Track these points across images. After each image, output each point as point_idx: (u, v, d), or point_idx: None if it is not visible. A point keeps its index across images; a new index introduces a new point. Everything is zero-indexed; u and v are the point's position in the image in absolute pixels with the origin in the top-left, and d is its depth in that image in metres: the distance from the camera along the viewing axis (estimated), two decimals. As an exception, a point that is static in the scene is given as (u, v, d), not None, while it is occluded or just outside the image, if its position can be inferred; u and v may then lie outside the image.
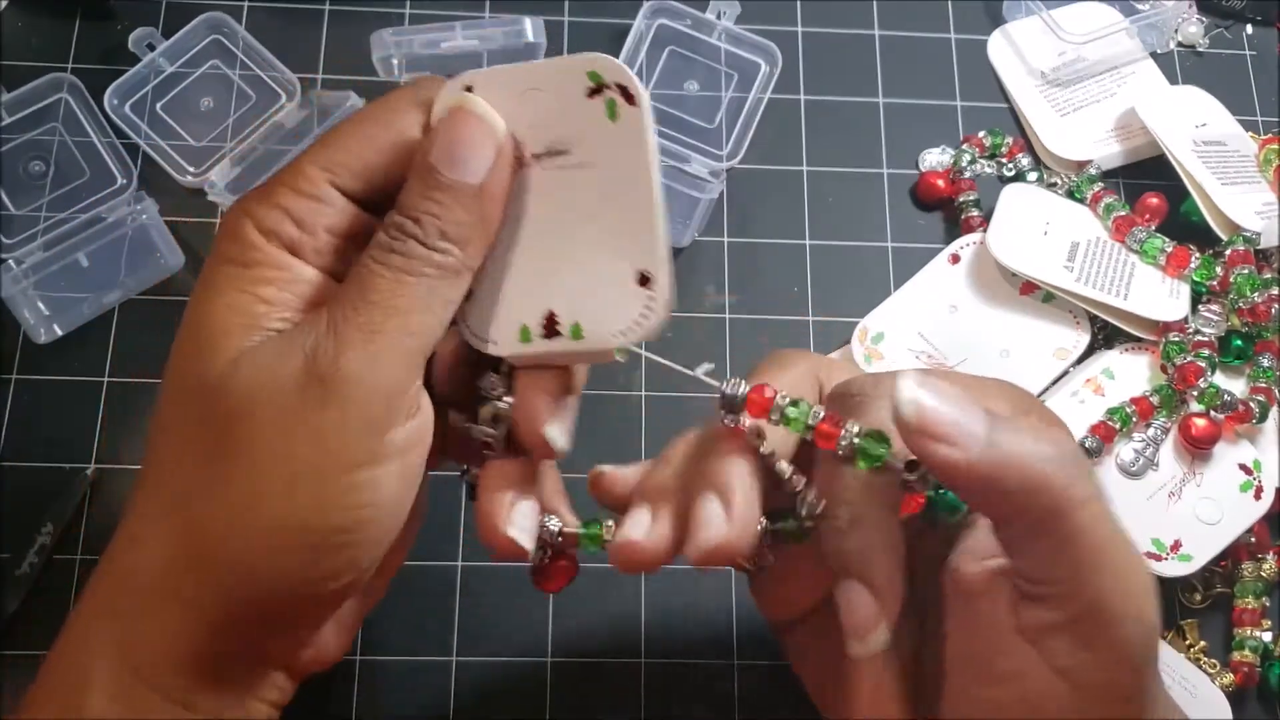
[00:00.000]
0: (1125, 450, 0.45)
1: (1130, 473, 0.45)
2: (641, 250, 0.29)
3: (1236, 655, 0.45)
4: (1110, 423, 0.45)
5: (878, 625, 0.29)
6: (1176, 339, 0.46)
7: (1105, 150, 0.52)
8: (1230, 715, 0.43)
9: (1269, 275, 0.48)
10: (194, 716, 0.29)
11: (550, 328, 0.30)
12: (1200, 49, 0.56)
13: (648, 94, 0.28)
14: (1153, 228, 0.49)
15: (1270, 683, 0.45)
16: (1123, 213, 0.49)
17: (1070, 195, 0.51)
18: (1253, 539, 0.46)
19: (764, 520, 0.30)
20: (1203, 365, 0.45)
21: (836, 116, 0.53)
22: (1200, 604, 0.46)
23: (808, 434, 0.29)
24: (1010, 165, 0.52)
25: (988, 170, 0.52)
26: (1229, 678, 0.44)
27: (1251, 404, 0.45)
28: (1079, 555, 0.27)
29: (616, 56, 0.50)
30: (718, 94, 0.52)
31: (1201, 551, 0.44)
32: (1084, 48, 0.54)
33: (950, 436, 0.27)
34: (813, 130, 0.53)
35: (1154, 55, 0.56)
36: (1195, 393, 0.45)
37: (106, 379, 0.46)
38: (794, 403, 0.29)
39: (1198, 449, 0.45)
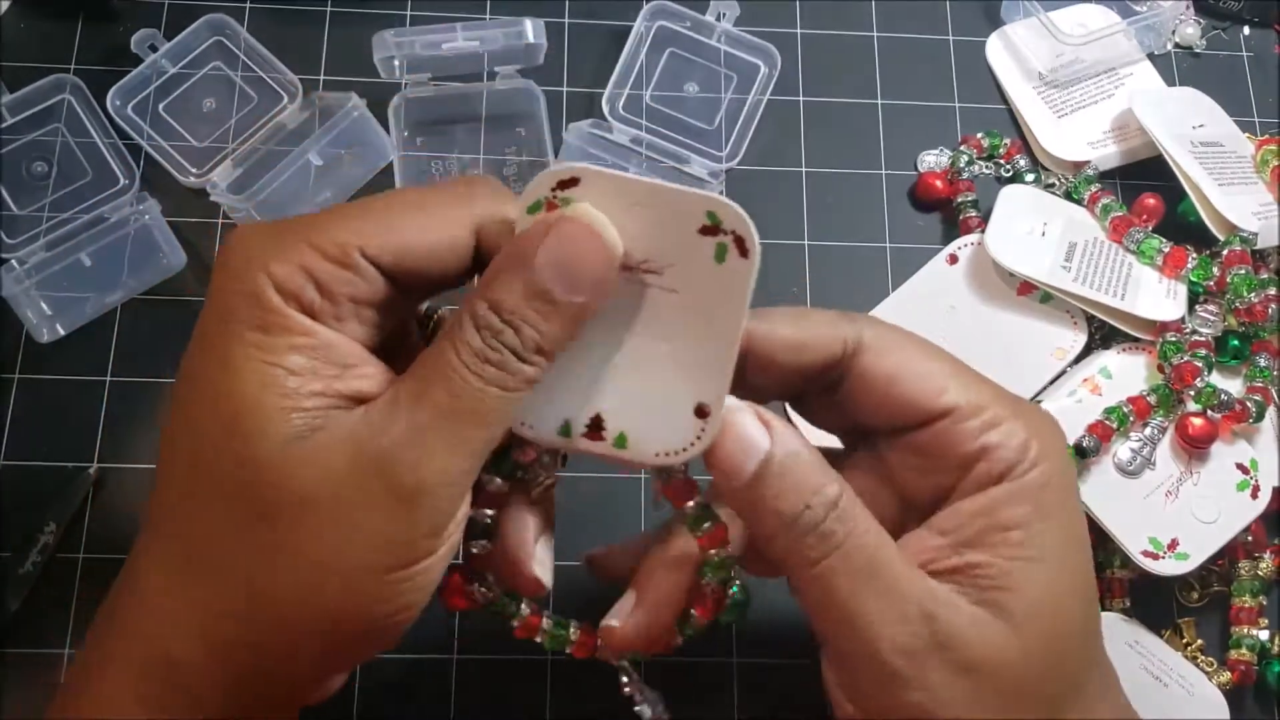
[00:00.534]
0: (1123, 450, 0.46)
1: (1127, 472, 0.45)
2: (709, 386, 0.29)
3: (1234, 653, 0.45)
4: (1108, 422, 0.45)
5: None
6: (1174, 339, 0.47)
7: (1103, 151, 0.53)
8: (1228, 713, 0.43)
9: (1265, 275, 0.48)
10: None
11: (595, 429, 0.30)
12: (1197, 50, 0.57)
13: (760, 248, 0.28)
14: (1150, 228, 0.49)
15: (1267, 681, 0.45)
16: (1120, 213, 0.49)
17: (1068, 196, 0.51)
18: (1249, 538, 0.46)
19: None
20: (1200, 365, 0.45)
21: (835, 118, 0.54)
22: (1197, 602, 0.46)
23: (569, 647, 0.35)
24: (1008, 166, 0.52)
25: (986, 171, 0.52)
26: (1226, 676, 0.45)
27: (1248, 403, 0.46)
28: (825, 599, 0.29)
29: (616, 58, 0.51)
30: (717, 95, 0.52)
31: (1199, 550, 0.44)
32: (1082, 49, 0.54)
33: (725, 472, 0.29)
34: (812, 131, 0.53)
35: (1151, 56, 0.56)
36: (1192, 392, 0.45)
37: (109, 378, 0.47)
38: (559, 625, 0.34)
39: (1195, 448, 0.46)
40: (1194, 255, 0.48)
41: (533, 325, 0.27)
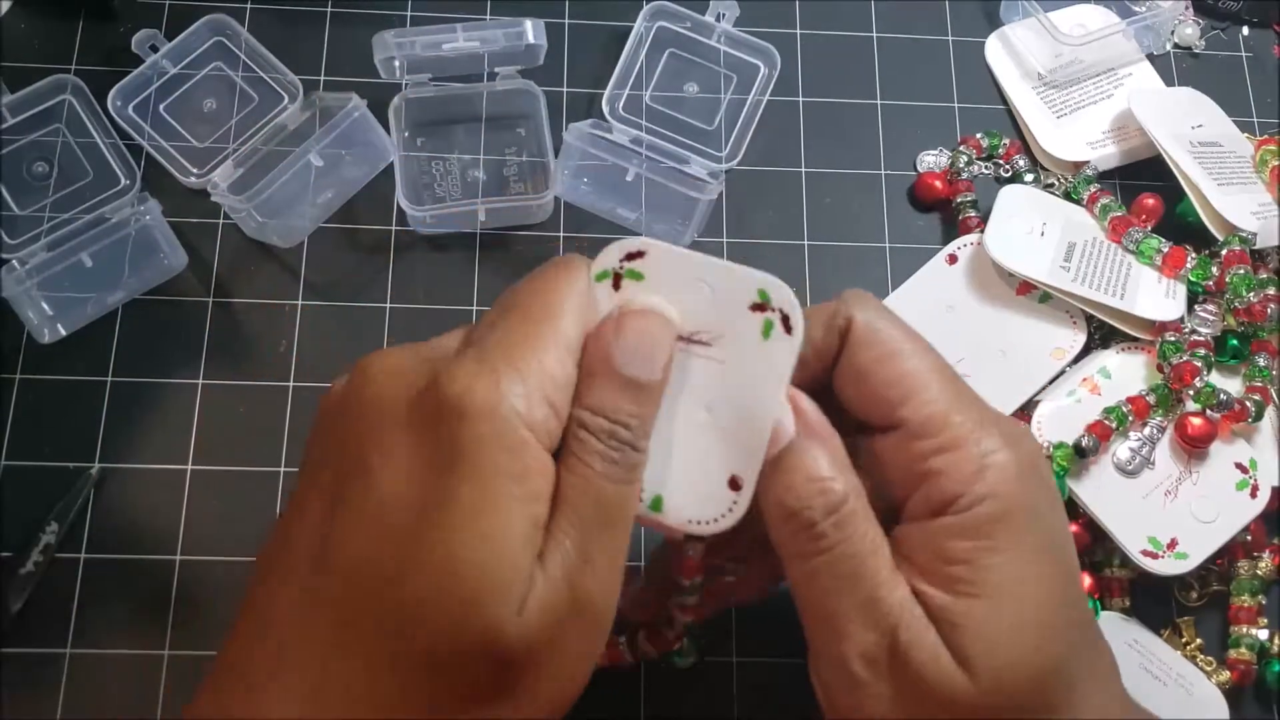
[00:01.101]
0: (1122, 449, 0.46)
1: (1127, 471, 0.45)
2: (744, 459, 0.30)
3: (1233, 653, 0.45)
4: (1107, 422, 0.45)
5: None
6: (1173, 339, 0.47)
7: (1102, 151, 0.53)
8: (1227, 713, 0.44)
9: (1265, 275, 0.48)
10: None
11: None
12: (1196, 51, 0.57)
13: (804, 327, 0.30)
14: (1149, 228, 0.49)
15: (1267, 680, 0.45)
16: (1119, 213, 0.49)
17: (1067, 196, 0.51)
18: (1249, 537, 0.46)
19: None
20: (1199, 365, 0.45)
21: (835, 118, 0.54)
22: (1197, 602, 0.47)
23: None
24: (1007, 166, 0.52)
25: (985, 171, 0.53)
26: (1225, 675, 0.45)
27: (1247, 403, 0.46)
28: (808, 596, 0.30)
29: (616, 58, 0.51)
30: (717, 96, 0.52)
31: (1198, 550, 0.44)
32: (1081, 49, 0.54)
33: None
34: (811, 132, 0.53)
35: (1150, 57, 0.56)
36: (1191, 392, 0.46)
37: (110, 379, 0.47)
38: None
39: (1194, 448, 0.46)
40: (1193, 255, 0.48)
41: (635, 416, 0.29)
